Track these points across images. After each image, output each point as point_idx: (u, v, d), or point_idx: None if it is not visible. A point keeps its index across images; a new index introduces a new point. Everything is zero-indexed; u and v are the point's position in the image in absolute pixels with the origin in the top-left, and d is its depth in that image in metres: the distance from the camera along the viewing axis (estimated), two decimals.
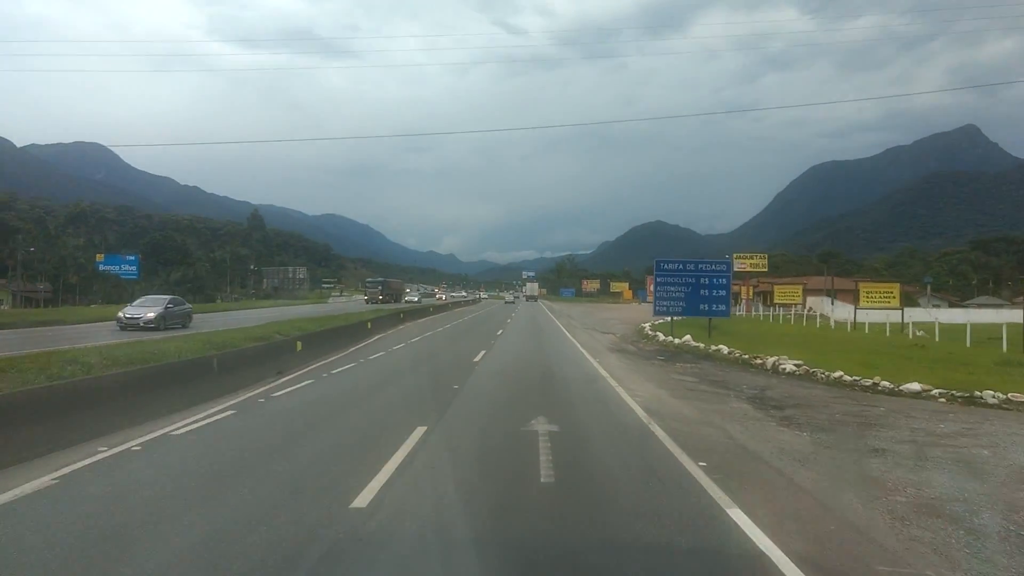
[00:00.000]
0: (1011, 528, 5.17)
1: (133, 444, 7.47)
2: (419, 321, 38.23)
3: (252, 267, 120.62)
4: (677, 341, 22.93)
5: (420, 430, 8.18)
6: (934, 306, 67.45)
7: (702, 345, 21.05)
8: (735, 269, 54.61)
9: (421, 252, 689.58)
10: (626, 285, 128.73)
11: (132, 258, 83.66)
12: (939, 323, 30.13)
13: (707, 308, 27.33)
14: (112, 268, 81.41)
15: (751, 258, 63.05)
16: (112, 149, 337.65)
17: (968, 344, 23.29)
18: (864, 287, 38.56)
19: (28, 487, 5.73)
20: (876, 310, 37.27)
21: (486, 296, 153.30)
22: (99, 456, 6.90)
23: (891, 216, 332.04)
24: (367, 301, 71.22)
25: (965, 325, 29.57)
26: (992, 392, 11.83)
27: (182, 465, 6.76)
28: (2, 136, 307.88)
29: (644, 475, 6.51)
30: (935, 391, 12.42)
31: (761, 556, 4.44)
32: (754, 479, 6.50)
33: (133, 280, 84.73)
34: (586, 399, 11.06)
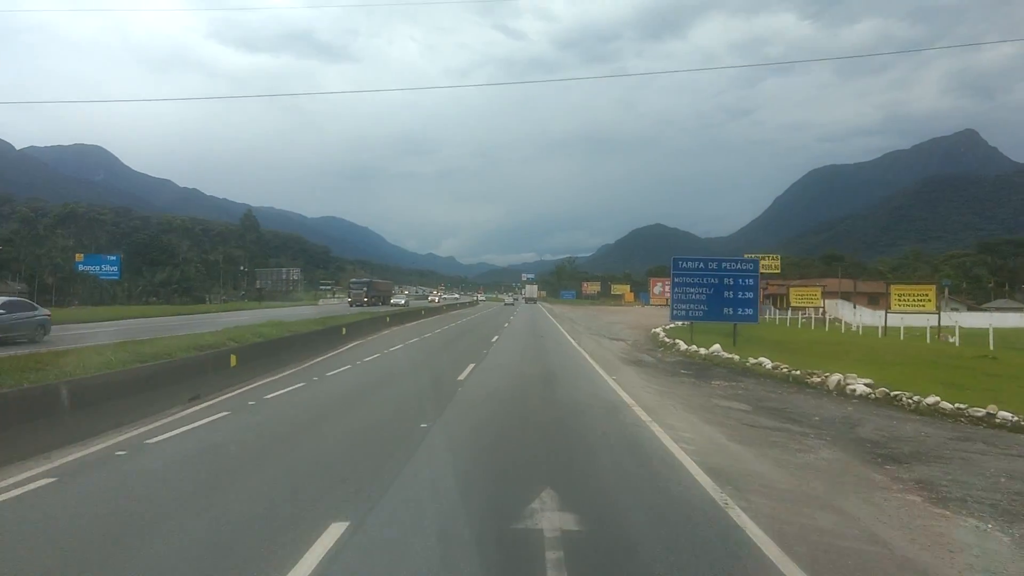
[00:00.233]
0: None
1: None
2: (407, 326, 34.71)
3: (242, 268, 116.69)
4: (703, 351, 19.40)
5: (335, 531, 4.67)
6: (952, 309, 64.06)
7: (735, 357, 17.52)
8: None
9: (420, 254, 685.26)
10: (627, 287, 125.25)
11: (113, 258, 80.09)
12: (959, 327, 26.71)
13: (731, 312, 23.88)
14: (92, 269, 77.76)
15: (764, 259, 59.54)
16: (112, 152, 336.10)
17: None
18: (897, 290, 35.05)
19: None
20: (910, 314, 33.89)
21: (484, 298, 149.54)
22: None
23: (890, 220, 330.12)
24: (351, 303, 66.47)
25: (988, 329, 26.37)
26: None
27: None
28: (1, 139, 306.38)
29: None
30: None
31: None
32: None
33: (114, 281, 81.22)
34: (612, 449, 7.47)
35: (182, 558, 4.30)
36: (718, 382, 14.17)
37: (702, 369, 16.69)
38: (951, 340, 30.56)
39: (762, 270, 61.01)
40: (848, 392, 12.68)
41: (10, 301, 20.26)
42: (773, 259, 61.47)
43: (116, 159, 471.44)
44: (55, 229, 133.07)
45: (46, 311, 22.02)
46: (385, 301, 69.65)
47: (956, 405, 10.77)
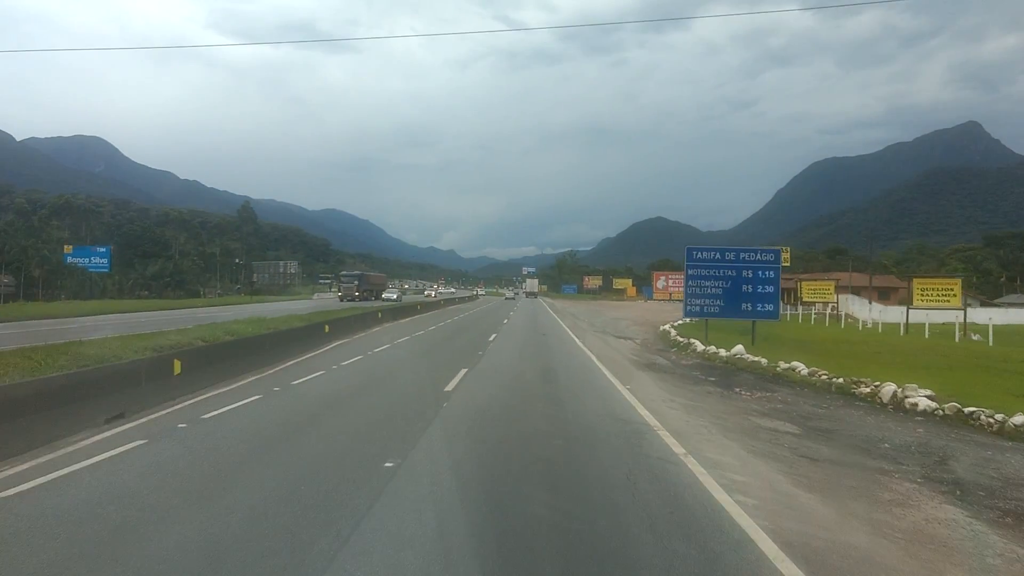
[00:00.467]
0: None
1: None
2: (400, 322, 32.72)
3: (237, 261, 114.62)
4: (723, 353, 17.37)
5: None
6: (967, 305, 61.94)
7: (762, 360, 15.48)
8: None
9: (421, 248, 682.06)
10: (629, 282, 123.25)
11: (103, 250, 77.95)
12: (969, 322, 24.65)
13: (750, 308, 21.89)
14: (81, 261, 75.70)
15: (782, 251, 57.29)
16: (112, 143, 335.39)
17: None
18: (920, 283, 32.99)
19: None
20: (933, 310, 31.84)
21: (483, 293, 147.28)
22: None
23: (892, 212, 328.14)
24: (341, 298, 63.27)
25: (1008, 326, 24.46)
26: None
27: None
28: (1, 130, 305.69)
29: None
30: None
31: None
32: None
33: (104, 273, 79.25)
34: (647, 509, 5.34)
35: None
36: (749, 392, 12.15)
37: (726, 375, 14.67)
38: (975, 338, 28.60)
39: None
40: (908, 407, 10.66)
41: None
42: (784, 251, 59.31)
43: (117, 151, 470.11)
44: (50, 220, 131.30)
45: None
46: (378, 296, 66.43)
47: None
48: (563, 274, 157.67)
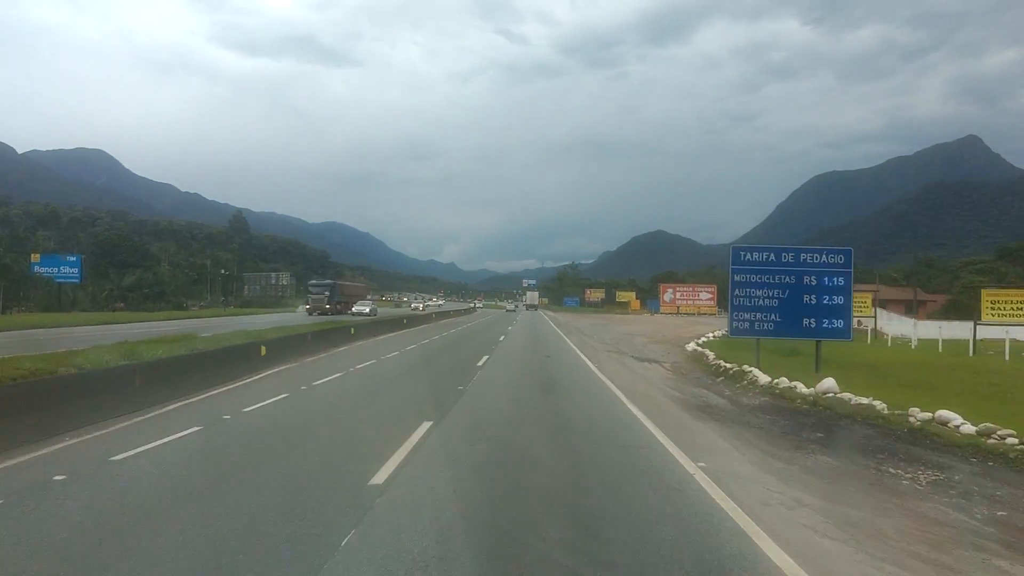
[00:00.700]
0: None
1: None
2: (379, 338, 27.81)
3: (223, 271, 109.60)
4: (803, 388, 12.34)
5: None
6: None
7: (877, 403, 10.42)
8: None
9: (422, 261, 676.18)
10: (633, 295, 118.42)
11: (73, 259, 72.76)
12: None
13: (814, 324, 16.99)
14: (49, 270, 70.60)
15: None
16: (114, 156, 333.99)
17: None
18: (990, 296, 28.08)
19: None
20: (1005, 325, 26.89)
21: (481, 306, 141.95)
22: None
23: (893, 226, 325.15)
24: (309, 312, 54.71)
25: None
26: None
27: None
28: (3, 142, 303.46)
29: None
30: None
31: None
32: None
33: (75, 284, 74.17)
34: None
35: None
36: (905, 471, 7.15)
37: (827, 427, 9.65)
38: None
39: None
40: None
41: None
42: None
43: (118, 163, 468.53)
44: (35, 231, 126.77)
45: None
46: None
47: None
48: (565, 287, 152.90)
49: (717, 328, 38.50)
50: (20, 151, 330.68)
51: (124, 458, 6.74)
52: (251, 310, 73.28)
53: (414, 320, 42.47)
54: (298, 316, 51.61)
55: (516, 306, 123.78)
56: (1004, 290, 30.37)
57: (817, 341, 17.18)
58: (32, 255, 73.50)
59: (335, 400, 11.25)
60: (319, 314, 51.31)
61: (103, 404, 8.86)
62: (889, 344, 33.83)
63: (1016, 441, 7.96)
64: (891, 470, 7.18)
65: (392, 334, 30.85)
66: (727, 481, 6.30)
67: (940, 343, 29.02)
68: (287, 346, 18.26)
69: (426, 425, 8.49)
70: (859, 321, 44.32)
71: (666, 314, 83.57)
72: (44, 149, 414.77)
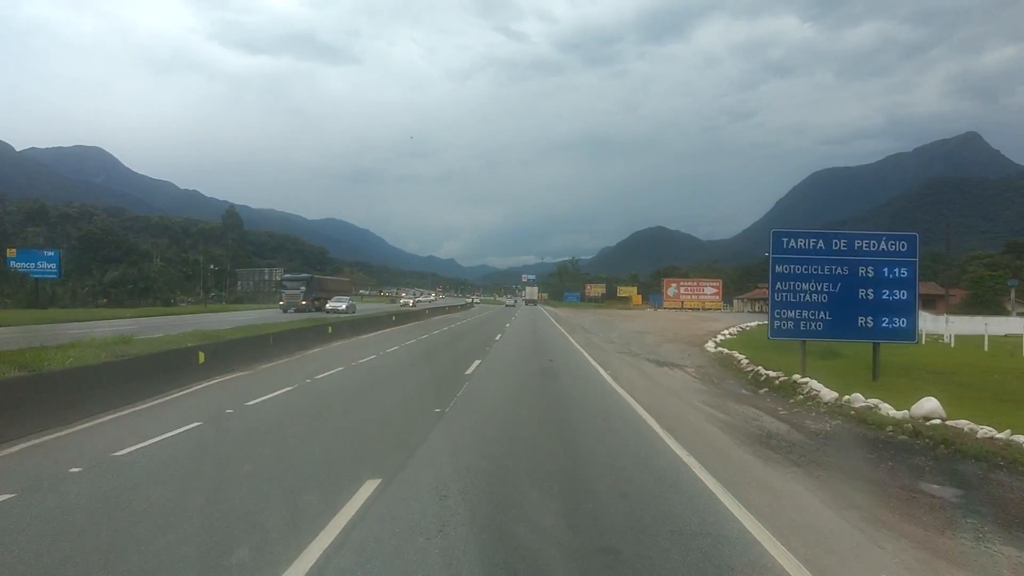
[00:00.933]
0: None
1: None
2: (361, 338, 24.89)
3: (213, 267, 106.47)
4: (892, 412, 9.38)
5: None
6: (1019, 314, 54.20)
7: (1005, 436, 7.54)
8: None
9: (421, 257, 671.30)
10: (634, 290, 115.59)
11: (51, 254, 69.50)
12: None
13: (871, 324, 14.14)
14: (25, 266, 67.38)
15: None
16: (112, 153, 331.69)
17: None
18: None
19: None
20: None
21: (478, 301, 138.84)
22: None
23: (892, 222, 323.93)
24: (283, 309, 50.88)
25: None
26: None
27: None
28: (1, 140, 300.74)
29: None
30: None
31: None
32: None
33: (54, 280, 70.99)
34: None
35: None
36: None
37: (961, 478, 6.72)
38: None
39: None
40: None
41: None
42: None
43: (117, 161, 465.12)
44: (24, 227, 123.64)
45: None
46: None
47: None
48: (565, 281, 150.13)
49: (732, 324, 35.63)
50: (18, 149, 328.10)
51: None
52: (233, 307, 70.53)
53: (404, 317, 39.46)
54: (277, 313, 48.59)
55: (515, 301, 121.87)
56: None
57: (875, 344, 14.28)
58: (8, 250, 70.23)
59: (256, 438, 7.81)
60: (295, 311, 47.86)
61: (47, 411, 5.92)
62: (923, 342, 30.98)
63: None
64: None
65: (375, 333, 27.89)
66: None
67: (986, 340, 26.18)
68: (240, 350, 15.32)
69: (369, 488, 5.47)
70: None
71: (669, 309, 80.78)
72: (42, 147, 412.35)
